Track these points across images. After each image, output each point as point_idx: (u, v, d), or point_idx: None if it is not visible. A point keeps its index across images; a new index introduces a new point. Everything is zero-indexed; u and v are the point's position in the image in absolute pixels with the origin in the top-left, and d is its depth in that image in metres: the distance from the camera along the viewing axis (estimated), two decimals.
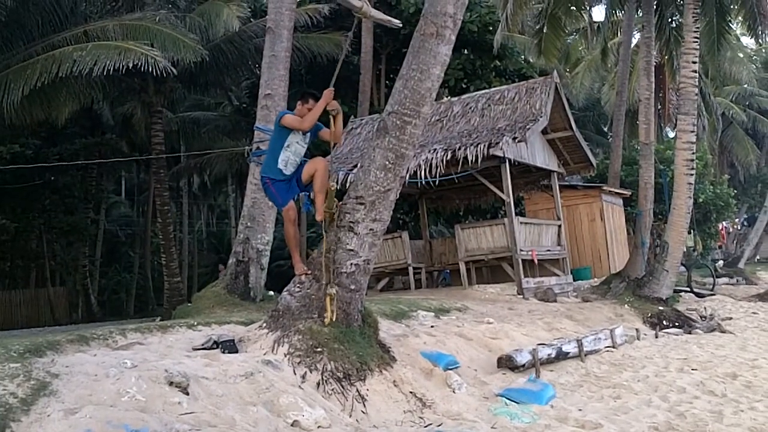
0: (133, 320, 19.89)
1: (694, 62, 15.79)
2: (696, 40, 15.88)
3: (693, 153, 15.80)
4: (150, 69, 17.06)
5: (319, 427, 5.45)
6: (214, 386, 5.56)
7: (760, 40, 22.26)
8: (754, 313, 16.06)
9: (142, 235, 36.02)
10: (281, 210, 7.62)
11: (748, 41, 36.49)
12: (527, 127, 15.10)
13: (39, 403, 4.78)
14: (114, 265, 37.31)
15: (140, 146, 29.84)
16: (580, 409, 6.86)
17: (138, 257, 36.61)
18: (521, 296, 14.91)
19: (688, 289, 18.51)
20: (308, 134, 7.42)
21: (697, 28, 16.14)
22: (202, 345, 7.00)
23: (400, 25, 8.79)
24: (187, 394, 5.30)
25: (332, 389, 6.25)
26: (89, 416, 4.60)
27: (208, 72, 22.50)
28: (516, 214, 15.97)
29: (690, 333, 12.94)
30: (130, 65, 16.93)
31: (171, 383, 5.32)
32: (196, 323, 8.36)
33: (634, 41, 26.13)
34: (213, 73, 23.17)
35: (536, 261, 16.06)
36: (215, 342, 6.97)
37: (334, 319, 6.75)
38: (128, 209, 41.98)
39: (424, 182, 15.16)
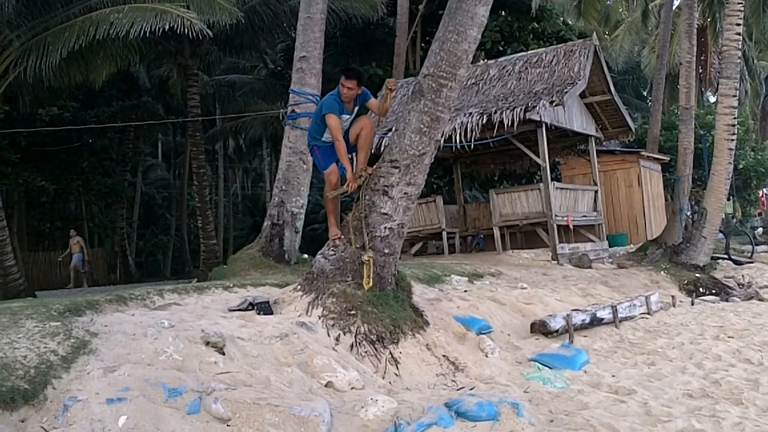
0: (169, 281, 20.18)
1: (738, 24, 15.35)
2: (740, 1, 15.44)
3: (734, 118, 15.45)
4: (186, 31, 17.05)
5: (352, 388, 5.49)
6: (250, 347, 5.63)
7: None
8: None
9: (179, 198, 36.40)
10: (323, 173, 7.66)
11: None
12: (565, 90, 14.90)
13: (79, 361, 4.87)
14: (151, 227, 37.82)
15: (176, 109, 30.06)
16: (613, 375, 6.84)
17: (174, 219, 37.08)
18: (556, 262, 14.84)
19: (726, 256, 18.28)
20: (355, 108, 7.42)
21: None
22: (238, 306, 7.07)
23: None
24: (223, 354, 5.37)
25: (365, 351, 6.28)
26: (127, 374, 4.68)
27: (243, 34, 22.48)
28: (552, 179, 15.83)
29: (727, 301, 12.80)
30: (166, 27, 16.94)
31: (207, 343, 5.38)
32: (231, 285, 8.44)
33: (676, 3, 25.55)
34: (248, 36, 23.15)
35: (571, 227, 15.94)
36: (251, 303, 7.03)
37: (371, 285, 6.78)
38: (165, 172, 42.41)
39: (459, 146, 15.08)
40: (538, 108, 14.31)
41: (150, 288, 8.07)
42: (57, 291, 20.45)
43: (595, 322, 9.09)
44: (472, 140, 14.64)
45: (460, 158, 19.70)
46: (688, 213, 18.16)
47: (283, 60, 27.30)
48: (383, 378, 6.06)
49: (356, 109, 7.44)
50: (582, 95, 16.71)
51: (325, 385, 5.45)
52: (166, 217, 38.93)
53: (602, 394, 6.15)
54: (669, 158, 22.78)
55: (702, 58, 27.16)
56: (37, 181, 25.49)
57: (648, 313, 10.27)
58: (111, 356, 5.02)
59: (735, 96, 15.39)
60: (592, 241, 17.06)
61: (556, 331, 8.31)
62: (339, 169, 7.51)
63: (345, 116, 7.28)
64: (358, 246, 6.95)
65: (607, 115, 18.14)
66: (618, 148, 22.67)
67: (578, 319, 8.74)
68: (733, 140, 15.35)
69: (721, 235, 18.35)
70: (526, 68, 16.67)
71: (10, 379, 4.42)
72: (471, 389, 6.05)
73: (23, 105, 21.93)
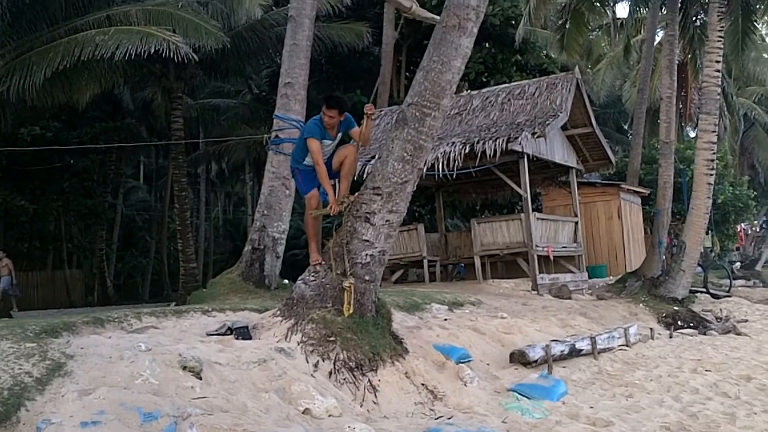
0: (148, 304, 20.01)
1: (718, 61, 15.61)
2: (720, 39, 15.69)
3: (713, 153, 15.65)
4: (171, 55, 17.07)
5: (329, 415, 5.47)
6: (227, 372, 5.59)
7: None
8: None
9: (159, 221, 36.21)
10: (304, 197, 7.68)
11: None
12: (547, 122, 15.02)
13: (54, 383, 4.82)
14: (130, 249, 37.51)
15: (159, 132, 29.96)
16: (591, 407, 6.84)
17: (154, 242, 36.81)
18: (536, 292, 14.87)
19: (704, 289, 18.38)
20: (339, 135, 7.47)
21: (722, 27, 15.95)
22: (217, 330, 7.03)
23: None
24: (200, 378, 5.33)
25: (344, 379, 6.26)
26: (103, 398, 4.64)
27: (229, 59, 22.55)
28: (533, 210, 15.91)
29: (705, 334, 12.86)
30: (152, 50, 16.94)
31: (184, 367, 5.35)
32: (210, 309, 8.38)
33: (658, 39, 25.92)
34: (234, 61, 23.23)
35: (552, 257, 16.00)
36: (229, 328, 7.00)
37: (351, 311, 6.77)
38: (146, 194, 42.16)
39: (441, 175, 15.14)
40: (520, 139, 14.42)
41: (128, 311, 8.00)
42: (33, 312, 20.23)
43: (574, 353, 9.10)
44: (455, 169, 14.70)
45: (442, 187, 19.76)
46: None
47: (268, 85, 27.38)
48: (361, 406, 6.03)
49: (339, 135, 7.49)
50: (564, 127, 16.85)
51: (303, 412, 5.41)
52: (146, 240, 38.65)
53: (580, 425, 6.15)
54: (649, 191, 22.97)
55: (682, 93, 27.48)
56: (16, 200, 25.28)
57: (626, 345, 10.30)
58: (86, 379, 4.97)
59: (714, 131, 15.61)
60: (571, 272, 17.12)
61: (535, 361, 8.31)
62: (320, 194, 7.53)
63: (327, 141, 7.33)
64: (338, 272, 6.94)
65: (589, 148, 18.30)
66: (599, 181, 22.85)
67: (557, 349, 8.75)
68: (712, 175, 15.54)
69: (699, 269, 18.47)
70: (509, 99, 16.80)
71: None
72: (449, 418, 6.03)
73: (5, 124, 21.77)
